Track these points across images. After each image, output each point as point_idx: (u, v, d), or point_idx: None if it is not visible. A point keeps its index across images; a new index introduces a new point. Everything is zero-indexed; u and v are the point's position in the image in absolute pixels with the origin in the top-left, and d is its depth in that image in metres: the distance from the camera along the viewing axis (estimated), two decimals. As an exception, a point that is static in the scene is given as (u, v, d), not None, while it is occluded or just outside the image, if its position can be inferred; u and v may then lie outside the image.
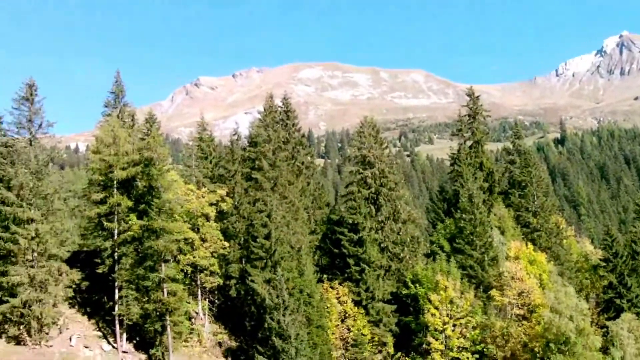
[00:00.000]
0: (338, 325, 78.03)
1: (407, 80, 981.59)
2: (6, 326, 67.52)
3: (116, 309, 70.40)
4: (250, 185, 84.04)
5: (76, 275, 71.38)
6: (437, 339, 74.31)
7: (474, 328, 75.90)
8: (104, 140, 72.67)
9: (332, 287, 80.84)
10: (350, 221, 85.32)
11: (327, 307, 77.56)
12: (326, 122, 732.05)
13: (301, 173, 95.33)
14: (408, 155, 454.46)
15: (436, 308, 74.94)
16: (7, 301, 66.25)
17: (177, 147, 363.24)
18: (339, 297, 79.73)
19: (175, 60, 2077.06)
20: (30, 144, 71.77)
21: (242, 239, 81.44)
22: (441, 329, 74.53)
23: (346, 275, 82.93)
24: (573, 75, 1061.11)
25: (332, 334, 76.69)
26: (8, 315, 66.66)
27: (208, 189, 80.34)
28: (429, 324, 74.94)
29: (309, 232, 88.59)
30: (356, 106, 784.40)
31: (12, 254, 68.41)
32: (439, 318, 74.52)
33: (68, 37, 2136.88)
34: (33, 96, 71.81)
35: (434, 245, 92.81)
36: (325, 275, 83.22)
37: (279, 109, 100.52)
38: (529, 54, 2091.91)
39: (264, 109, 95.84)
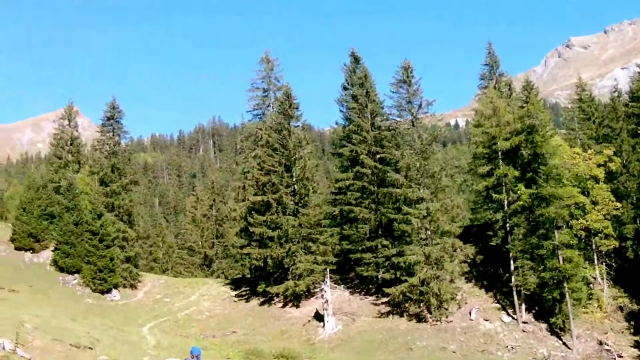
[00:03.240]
0: None
1: None
2: (406, 304, 72.42)
3: (512, 279, 72.10)
4: (637, 141, 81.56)
5: (470, 249, 75.11)
6: None
7: None
8: (484, 113, 75.31)
9: None
10: None
11: None
12: None
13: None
14: None
15: None
16: (406, 280, 71.10)
17: (556, 111, 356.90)
18: None
19: (543, 24, 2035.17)
20: (413, 125, 76.10)
21: (635, 198, 79.71)
22: None
23: None
24: None
25: None
26: (407, 294, 71.36)
27: (594, 151, 78.90)
28: None
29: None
30: None
31: (406, 234, 73.47)
32: None
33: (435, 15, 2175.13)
34: (410, 78, 76.16)
35: None
36: None
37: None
38: None
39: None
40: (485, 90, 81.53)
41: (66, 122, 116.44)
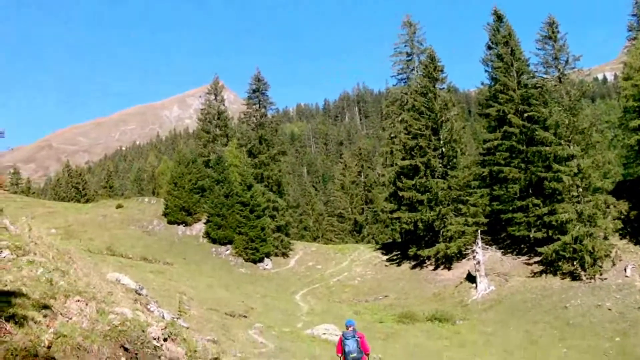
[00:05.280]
0: None
1: None
2: (559, 263, 73.24)
3: (669, 234, 70.90)
4: None
5: (623, 205, 74.81)
6: None
7: None
8: (633, 65, 75.12)
9: None
10: None
11: None
12: None
13: None
14: None
15: None
16: (558, 239, 72.09)
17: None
18: None
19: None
20: (560, 81, 76.54)
21: None
22: None
23: None
24: None
25: None
26: (560, 252, 72.16)
27: None
28: None
29: None
30: None
31: (557, 192, 74.19)
32: None
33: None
34: (555, 34, 76.57)
35: None
36: None
37: None
38: None
39: None
40: (633, 42, 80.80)
41: (212, 97, 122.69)
